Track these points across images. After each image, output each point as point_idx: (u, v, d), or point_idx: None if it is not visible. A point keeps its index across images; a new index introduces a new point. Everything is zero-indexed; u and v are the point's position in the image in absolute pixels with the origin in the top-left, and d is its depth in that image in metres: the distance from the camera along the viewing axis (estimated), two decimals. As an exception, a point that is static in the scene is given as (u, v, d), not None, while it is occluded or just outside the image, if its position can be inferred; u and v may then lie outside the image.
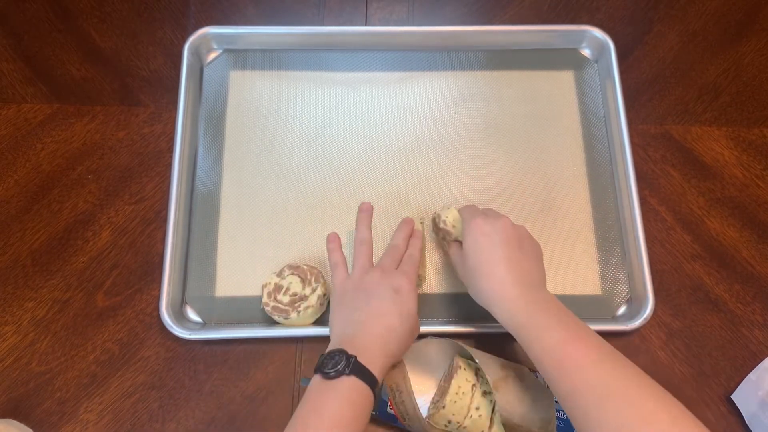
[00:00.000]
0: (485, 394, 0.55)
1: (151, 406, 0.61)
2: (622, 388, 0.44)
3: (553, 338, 0.48)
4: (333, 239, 0.61)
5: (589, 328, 0.50)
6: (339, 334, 0.53)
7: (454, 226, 0.63)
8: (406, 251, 0.60)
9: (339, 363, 0.48)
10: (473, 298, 0.56)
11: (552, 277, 0.65)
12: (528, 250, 0.56)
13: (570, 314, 0.51)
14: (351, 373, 0.48)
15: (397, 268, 0.58)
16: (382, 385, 0.53)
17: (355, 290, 0.56)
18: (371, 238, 0.60)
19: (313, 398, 0.48)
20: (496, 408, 0.54)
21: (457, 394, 0.55)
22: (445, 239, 0.64)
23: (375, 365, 0.49)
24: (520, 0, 0.78)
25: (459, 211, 0.60)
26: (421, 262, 0.62)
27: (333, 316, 0.56)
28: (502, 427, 0.54)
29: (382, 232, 0.67)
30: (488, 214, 0.57)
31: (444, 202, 0.68)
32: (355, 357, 0.48)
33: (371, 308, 0.54)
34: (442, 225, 0.63)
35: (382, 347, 0.51)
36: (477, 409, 0.54)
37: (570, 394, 0.46)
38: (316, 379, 0.49)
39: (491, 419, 0.54)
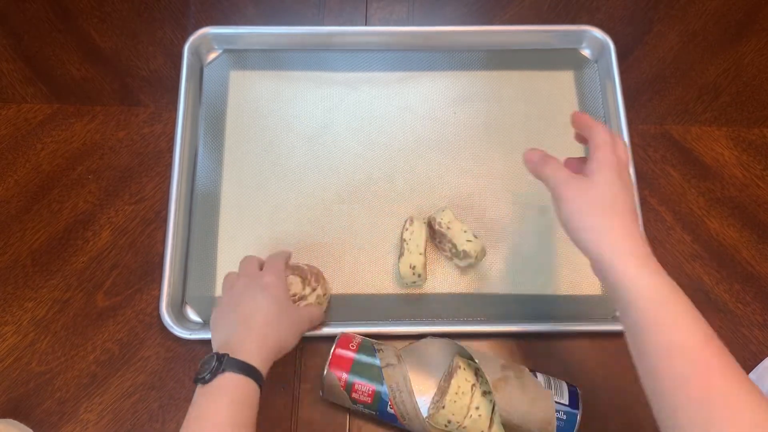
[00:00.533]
0: (485, 393, 0.55)
1: (151, 406, 0.61)
2: (748, 412, 0.38)
3: (691, 330, 0.40)
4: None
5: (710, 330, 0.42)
6: (216, 344, 0.53)
7: (449, 228, 0.63)
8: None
9: (211, 365, 0.48)
10: (579, 228, 0.46)
11: (552, 277, 0.66)
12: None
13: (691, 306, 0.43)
14: (225, 369, 0.47)
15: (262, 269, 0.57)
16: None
17: (228, 301, 0.56)
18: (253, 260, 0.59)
19: (195, 406, 0.48)
20: (496, 408, 0.54)
21: (456, 393, 0.55)
22: (441, 242, 0.64)
23: (253, 356, 0.49)
24: (520, 0, 0.78)
25: (594, 129, 0.49)
26: (421, 262, 0.62)
27: (213, 329, 0.55)
28: (502, 427, 0.54)
29: (382, 232, 0.67)
30: (623, 146, 0.49)
31: (444, 202, 0.68)
32: (227, 354, 0.48)
33: (241, 311, 0.53)
34: (437, 227, 0.63)
35: (260, 339, 0.51)
36: (477, 408, 0.54)
37: (689, 404, 0.39)
38: (197, 390, 0.48)
39: (491, 419, 0.54)
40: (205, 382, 0.47)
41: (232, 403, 0.47)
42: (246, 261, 0.59)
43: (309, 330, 0.58)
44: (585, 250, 0.46)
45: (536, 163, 0.51)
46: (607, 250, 0.44)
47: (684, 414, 0.39)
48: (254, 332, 0.51)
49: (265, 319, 0.52)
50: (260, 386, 0.49)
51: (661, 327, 0.41)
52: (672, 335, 0.41)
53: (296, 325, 0.55)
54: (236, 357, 0.48)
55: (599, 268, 0.45)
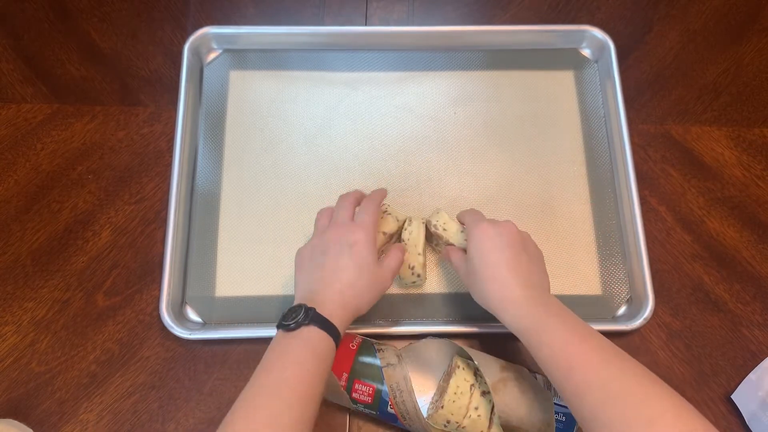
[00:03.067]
0: (484, 394, 0.55)
1: (151, 406, 0.61)
2: (628, 389, 0.45)
3: (558, 340, 0.49)
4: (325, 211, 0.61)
5: (593, 329, 0.50)
6: (300, 292, 0.55)
7: (444, 230, 0.63)
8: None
9: (298, 315, 0.49)
10: (477, 301, 0.56)
11: (552, 278, 0.65)
12: (532, 254, 0.56)
13: (574, 316, 0.51)
14: (311, 323, 0.49)
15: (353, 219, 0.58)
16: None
17: (312, 249, 0.57)
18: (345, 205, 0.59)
19: (276, 348, 0.50)
20: (496, 408, 0.54)
21: (455, 393, 0.55)
22: (438, 244, 0.64)
23: (334, 317, 0.51)
24: (520, 0, 0.78)
25: (461, 215, 0.61)
26: (420, 263, 0.62)
27: (296, 278, 0.57)
28: (501, 428, 0.54)
29: (382, 232, 0.67)
30: (489, 219, 0.58)
31: (444, 202, 0.68)
32: (314, 309, 0.50)
33: (328, 265, 0.54)
34: (433, 229, 0.63)
35: (341, 300, 0.52)
36: (476, 409, 0.54)
37: (576, 396, 0.46)
38: (278, 333, 0.50)
39: (490, 419, 0.54)
40: (290, 329, 0.49)
41: (314, 356, 0.49)
42: (342, 204, 0.59)
43: (384, 291, 0.57)
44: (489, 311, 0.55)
45: (445, 252, 0.62)
46: (493, 307, 0.53)
47: (576, 405, 0.47)
48: (337, 293, 0.53)
49: (348, 281, 0.53)
50: (337, 345, 0.51)
51: (536, 350, 0.50)
52: (547, 344, 0.49)
53: (375, 289, 0.55)
54: (322, 312, 0.50)
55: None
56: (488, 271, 0.53)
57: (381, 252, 0.65)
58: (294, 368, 0.48)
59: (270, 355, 0.49)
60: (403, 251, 0.60)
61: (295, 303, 0.52)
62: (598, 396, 0.45)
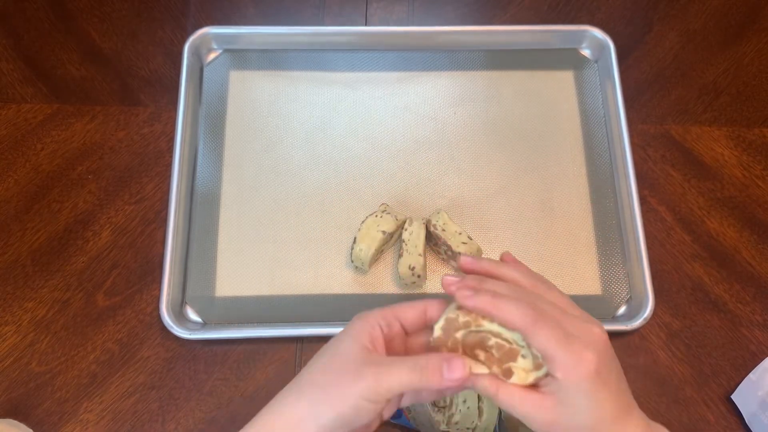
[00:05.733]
0: None
1: (151, 406, 0.61)
2: None
3: None
4: None
5: None
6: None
7: (444, 230, 0.63)
8: None
9: None
10: None
11: (552, 278, 0.65)
12: (619, 367, 0.40)
13: None
14: None
15: None
16: None
17: None
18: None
19: None
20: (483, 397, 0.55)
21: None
22: (437, 244, 0.64)
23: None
24: (520, 0, 0.78)
25: (527, 330, 0.36)
26: (421, 263, 0.62)
27: None
28: (493, 413, 0.54)
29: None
30: (575, 328, 0.37)
31: (444, 202, 0.68)
32: None
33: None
34: (432, 229, 0.63)
35: (279, 412, 0.40)
36: (464, 402, 0.54)
37: None
38: None
39: (479, 408, 0.54)
40: None
41: None
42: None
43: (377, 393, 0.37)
44: None
45: (506, 401, 0.38)
46: None
47: None
48: (278, 404, 0.40)
49: (297, 383, 0.39)
50: None
51: None
52: None
53: (340, 391, 0.37)
54: None
55: None
56: (603, 424, 0.37)
57: (379, 252, 0.65)
58: None
59: None
60: (424, 373, 0.37)
61: None
62: None
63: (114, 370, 0.62)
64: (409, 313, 0.41)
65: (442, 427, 0.55)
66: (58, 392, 0.61)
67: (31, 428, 0.59)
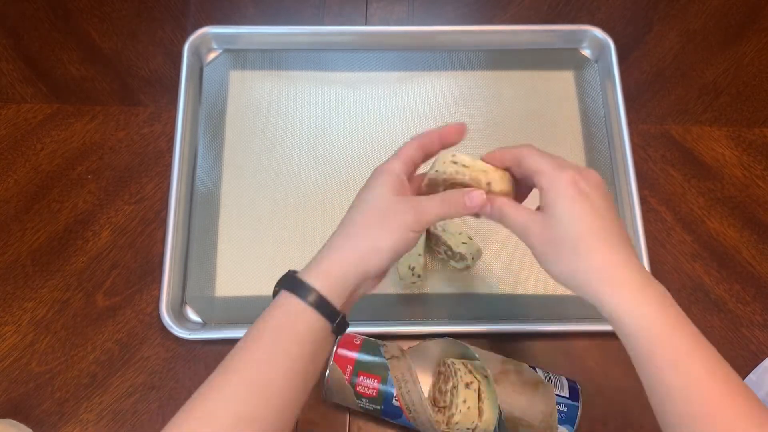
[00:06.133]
0: (468, 385, 0.55)
1: (151, 406, 0.61)
2: None
3: (695, 370, 0.37)
4: None
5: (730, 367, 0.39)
6: None
7: (444, 230, 0.63)
8: None
9: (280, 284, 0.42)
10: (557, 276, 0.41)
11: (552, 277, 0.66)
12: (620, 219, 0.42)
13: (695, 331, 0.39)
14: (281, 288, 0.42)
15: None
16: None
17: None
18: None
19: (255, 325, 0.41)
20: (483, 396, 0.55)
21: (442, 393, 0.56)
22: (437, 244, 0.64)
23: (318, 275, 0.41)
24: (520, 0, 0.78)
25: (524, 154, 0.43)
26: (421, 263, 0.62)
27: None
28: (493, 413, 0.54)
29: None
30: (573, 164, 0.42)
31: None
32: (293, 271, 0.42)
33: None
34: (432, 229, 0.63)
35: (330, 252, 0.42)
36: (465, 402, 0.54)
37: None
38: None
39: (479, 408, 0.55)
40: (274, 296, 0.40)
41: (272, 330, 0.39)
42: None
43: (408, 238, 0.42)
44: (576, 293, 0.41)
45: (487, 208, 0.43)
46: (593, 288, 0.39)
47: None
48: (334, 242, 0.42)
49: (344, 227, 0.42)
50: (329, 316, 0.40)
51: (660, 368, 0.37)
52: (672, 378, 0.37)
53: (389, 232, 0.41)
54: (302, 275, 0.40)
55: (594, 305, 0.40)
56: (588, 240, 0.39)
57: None
58: (247, 351, 0.39)
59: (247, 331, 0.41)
60: (464, 200, 0.43)
61: None
62: None
63: (114, 370, 0.62)
64: (417, 155, 0.45)
65: (442, 427, 0.55)
66: (58, 392, 0.61)
67: (31, 428, 0.59)
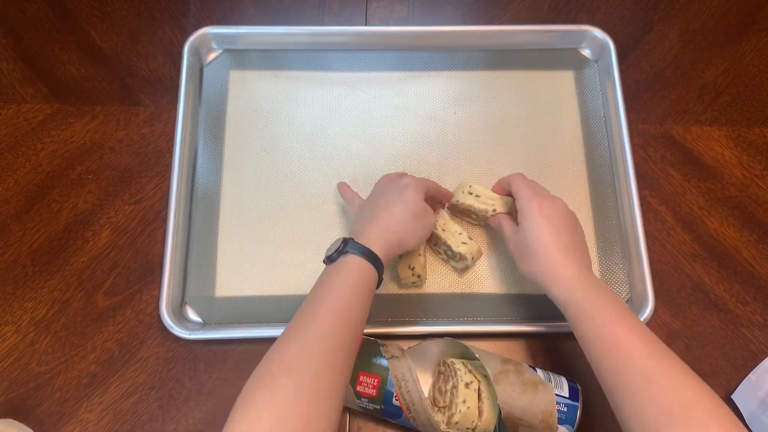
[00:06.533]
0: (468, 385, 0.55)
1: (151, 406, 0.61)
2: (667, 374, 0.47)
3: (606, 318, 0.50)
4: (342, 185, 0.65)
5: (634, 315, 0.52)
6: (351, 230, 0.57)
7: (444, 230, 0.63)
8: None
9: (338, 245, 0.52)
10: (522, 270, 0.57)
11: (552, 277, 0.66)
12: (581, 235, 0.58)
13: (619, 300, 0.54)
14: (348, 251, 0.52)
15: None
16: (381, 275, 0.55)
17: (366, 200, 0.61)
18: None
19: (319, 280, 0.52)
20: (483, 396, 0.55)
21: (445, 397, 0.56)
22: (437, 244, 0.64)
23: (374, 243, 0.53)
24: (520, 0, 0.78)
25: (512, 182, 0.60)
26: (420, 263, 0.62)
27: (355, 217, 0.60)
28: (493, 413, 0.54)
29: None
30: (543, 194, 0.59)
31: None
32: (352, 238, 0.53)
33: (374, 205, 0.58)
34: (433, 229, 0.63)
35: (382, 228, 0.55)
36: (464, 402, 0.54)
37: (616, 373, 0.48)
38: (325, 269, 0.53)
39: (479, 408, 0.55)
40: (332, 261, 0.52)
41: (354, 284, 0.51)
42: (395, 172, 0.63)
43: (429, 232, 0.60)
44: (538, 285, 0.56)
45: (495, 220, 0.63)
46: (542, 279, 0.55)
47: (613, 382, 0.48)
48: (379, 223, 0.55)
49: (392, 213, 0.56)
50: (379, 273, 0.53)
51: (583, 327, 0.52)
52: (588, 326, 0.51)
53: (420, 225, 0.57)
54: (359, 242, 0.52)
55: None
56: (542, 248, 0.55)
57: None
58: (333, 298, 0.49)
59: (314, 288, 0.51)
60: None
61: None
62: (636, 375, 0.47)
63: (114, 370, 0.62)
64: (431, 190, 0.62)
65: (442, 427, 0.55)
66: (58, 392, 0.61)
67: (31, 428, 0.59)
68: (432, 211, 0.59)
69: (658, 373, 0.47)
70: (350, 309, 0.49)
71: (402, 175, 0.61)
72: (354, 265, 0.51)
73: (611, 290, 0.54)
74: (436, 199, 0.64)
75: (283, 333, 0.48)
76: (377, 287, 0.54)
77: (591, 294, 0.52)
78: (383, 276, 0.54)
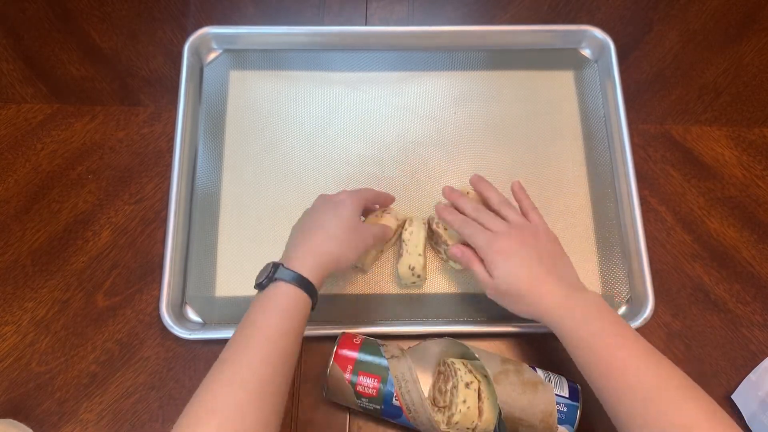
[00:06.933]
0: (468, 385, 0.55)
1: (151, 406, 0.61)
2: (666, 394, 0.46)
3: (599, 341, 0.50)
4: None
5: (632, 330, 0.52)
6: (284, 254, 0.56)
7: (445, 229, 0.63)
8: None
9: (267, 271, 0.51)
10: (515, 313, 0.57)
11: (552, 277, 0.66)
12: (550, 250, 0.57)
13: (612, 314, 0.53)
14: (276, 278, 0.51)
15: None
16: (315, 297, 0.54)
17: (301, 219, 0.60)
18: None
19: (249, 313, 0.51)
20: (483, 396, 0.55)
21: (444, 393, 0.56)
22: (437, 242, 0.64)
23: (304, 266, 0.52)
24: (520, 0, 0.78)
25: (462, 233, 0.59)
26: (421, 263, 0.62)
27: (289, 240, 0.59)
28: (493, 413, 0.54)
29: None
30: (498, 231, 0.57)
31: (444, 202, 0.68)
32: (282, 264, 0.51)
33: (307, 225, 0.57)
34: (434, 227, 0.63)
35: (312, 250, 0.54)
36: (464, 402, 0.54)
37: (614, 398, 0.48)
38: (256, 294, 0.52)
39: (479, 408, 0.55)
40: (262, 288, 0.51)
41: (281, 312, 0.50)
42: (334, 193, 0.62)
43: (375, 247, 0.60)
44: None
45: (463, 261, 0.59)
46: (533, 316, 0.55)
47: (614, 404, 0.49)
48: (310, 244, 0.54)
49: (325, 232, 0.55)
50: (312, 297, 0.52)
51: (574, 346, 0.52)
52: (588, 346, 0.51)
53: (354, 242, 0.56)
54: (289, 267, 0.51)
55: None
56: (519, 290, 0.55)
57: (380, 251, 0.65)
58: (263, 326, 0.48)
59: (246, 316, 0.50)
60: (391, 230, 0.62)
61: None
62: (635, 399, 0.47)
63: (114, 370, 0.62)
64: (369, 201, 0.62)
65: (442, 427, 0.55)
66: (58, 392, 0.61)
67: (31, 428, 0.59)
68: (369, 232, 0.58)
69: (654, 396, 0.46)
70: (281, 337, 0.48)
71: (339, 193, 0.60)
72: (284, 291, 0.50)
73: (605, 306, 0.53)
74: (380, 204, 0.64)
75: (213, 367, 0.47)
76: (312, 309, 0.53)
77: (581, 317, 0.52)
78: (317, 299, 0.53)
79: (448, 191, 0.62)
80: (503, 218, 0.59)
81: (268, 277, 0.51)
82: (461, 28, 0.75)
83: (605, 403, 0.49)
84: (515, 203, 0.62)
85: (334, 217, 0.56)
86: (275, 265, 0.51)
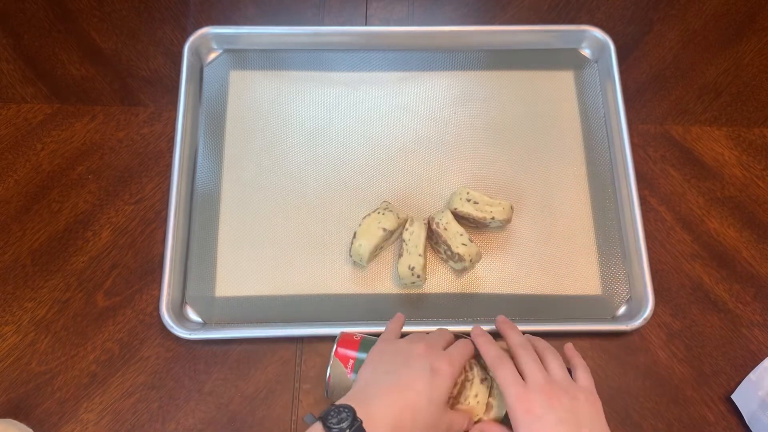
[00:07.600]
0: (483, 381, 0.55)
1: (151, 406, 0.61)
2: None
3: None
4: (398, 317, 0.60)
5: None
6: (359, 389, 0.51)
7: (445, 229, 0.63)
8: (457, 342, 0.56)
9: (343, 421, 0.45)
10: None
11: (552, 278, 0.66)
12: (590, 419, 0.50)
13: None
14: None
15: (444, 350, 0.54)
16: None
17: (395, 352, 0.53)
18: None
19: None
20: (494, 390, 0.55)
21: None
22: (437, 243, 0.64)
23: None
24: (520, 0, 0.78)
25: (489, 365, 0.54)
26: (421, 263, 0.62)
27: (364, 367, 0.54)
28: (500, 410, 0.54)
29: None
30: (529, 369, 0.51)
31: (444, 202, 0.68)
32: (361, 422, 0.45)
33: (401, 377, 0.50)
34: (435, 227, 0.63)
35: (394, 423, 0.47)
36: (476, 396, 0.54)
37: None
38: (317, 427, 0.47)
39: (488, 404, 0.54)
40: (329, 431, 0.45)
41: None
42: (440, 333, 0.56)
43: None
44: None
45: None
46: None
47: None
48: (396, 412, 0.48)
49: (413, 404, 0.49)
50: None
51: None
52: None
53: (439, 425, 0.50)
54: (366, 428, 0.45)
55: None
56: None
57: (378, 248, 0.65)
58: None
59: None
60: (471, 422, 0.54)
61: (348, 396, 0.49)
62: None
63: (114, 370, 0.62)
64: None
65: None
66: (58, 392, 0.61)
67: (31, 428, 0.59)
68: (447, 423, 0.51)
69: None
70: None
71: (437, 350, 0.53)
72: None
73: None
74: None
75: None
76: None
77: None
78: None
79: (500, 321, 0.58)
80: (545, 367, 0.52)
81: (341, 428, 0.45)
82: (461, 28, 0.75)
83: None
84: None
85: (427, 389, 0.49)
86: (354, 419, 0.45)
